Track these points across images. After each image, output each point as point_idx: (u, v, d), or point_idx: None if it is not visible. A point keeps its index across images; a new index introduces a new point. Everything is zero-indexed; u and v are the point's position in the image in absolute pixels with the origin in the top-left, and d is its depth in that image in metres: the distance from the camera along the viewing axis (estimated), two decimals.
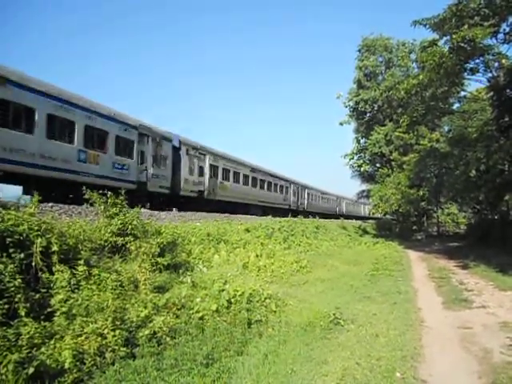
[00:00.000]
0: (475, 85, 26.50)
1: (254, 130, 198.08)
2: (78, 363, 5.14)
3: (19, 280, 5.82)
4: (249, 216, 25.27)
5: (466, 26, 18.26)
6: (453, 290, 11.87)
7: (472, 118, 27.11)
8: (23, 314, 5.50)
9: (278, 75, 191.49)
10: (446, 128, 35.84)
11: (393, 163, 37.70)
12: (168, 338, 6.25)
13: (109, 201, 9.88)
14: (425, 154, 30.88)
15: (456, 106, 27.60)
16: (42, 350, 5.06)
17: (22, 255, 6.28)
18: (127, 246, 9.22)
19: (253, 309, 7.85)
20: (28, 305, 5.73)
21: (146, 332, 6.14)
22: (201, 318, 7.13)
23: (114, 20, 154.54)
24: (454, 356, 6.50)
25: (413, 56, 37.90)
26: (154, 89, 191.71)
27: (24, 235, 6.72)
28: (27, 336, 5.04)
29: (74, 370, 5.03)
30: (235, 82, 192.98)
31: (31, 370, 4.70)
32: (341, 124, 42.19)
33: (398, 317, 8.53)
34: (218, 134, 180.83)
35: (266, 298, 8.51)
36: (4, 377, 4.58)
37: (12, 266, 5.91)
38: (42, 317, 5.80)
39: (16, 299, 5.62)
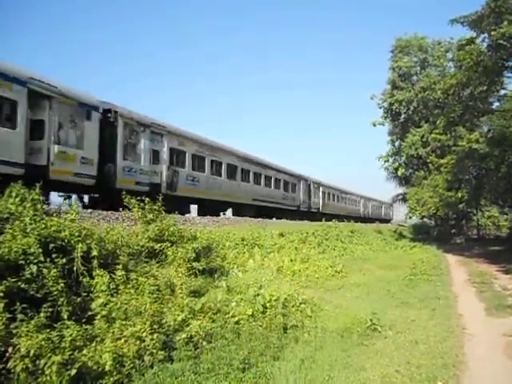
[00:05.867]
0: None
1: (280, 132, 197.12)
2: (117, 366, 5.27)
3: (62, 284, 6.02)
4: (283, 221, 25.20)
5: (505, 23, 17.67)
6: (496, 296, 11.43)
7: None
8: (66, 317, 5.67)
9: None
10: (486, 128, 34.68)
11: (430, 165, 36.75)
12: (204, 342, 6.32)
13: (146, 207, 10.12)
14: (463, 156, 29.92)
15: (496, 105, 26.66)
16: (84, 352, 5.22)
17: (64, 260, 6.50)
18: (164, 251, 9.37)
19: (288, 314, 7.83)
20: (70, 308, 5.91)
21: (183, 336, 6.23)
22: (236, 323, 7.16)
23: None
24: (498, 364, 6.27)
25: (449, 55, 36.98)
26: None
27: (66, 241, 6.96)
28: (70, 338, 5.20)
29: (114, 373, 5.16)
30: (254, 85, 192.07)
31: (74, 372, 4.87)
32: (374, 124, 41.46)
33: (438, 323, 8.30)
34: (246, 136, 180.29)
35: (301, 303, 8.47)
36: (48, 377, 4.75)
37: (55, 270, 6.11)
38: (84, 320, 5.98)
39: (59, 302, 5.81)
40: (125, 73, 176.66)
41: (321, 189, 40.75)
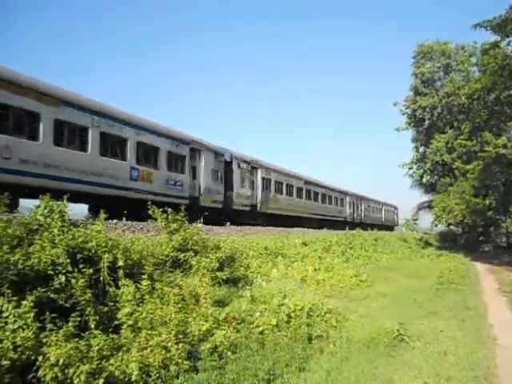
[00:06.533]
0: None
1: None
2: (144, 375, 5.28)
3: (89, 294, 6.11)
4: (306, 229, 25.04)
5: None
6: None
7: None
8: (93, 326, 5.74)
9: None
10: None
11: (455, 172, 36.09)
12: (229, 353, 6.28)
13: (169, 217, 10.24)
14: (490, 161, 29.32)
15: None
16: (111, 361, 5.24)
17: (91, 270, 6.59)
18: (188, 260, 9.44)
19: (313, 324, 7.73)
20: (97, 317, 5.99)
21: (208, 346, 6.21)
22: (261, 333, 7.11)
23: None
24: None
25: (473, 60, 36.46)
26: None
27: (93, 251, 7.08)
28: (97, 348, 5.25)
29: (141, 383, 5.17)
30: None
31: (101, 381, 4.89)
32: (397, 130, 41.03)
33: (468, 334, 8.08)
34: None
35: (326, 313, 8.36)
36: None
37: (82, 280, 6.21)
38: (110, 329, 6.04)
39: (87, 312, 5.90)
40: (123, 78, 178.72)
41: (259, 173, 26.09)
